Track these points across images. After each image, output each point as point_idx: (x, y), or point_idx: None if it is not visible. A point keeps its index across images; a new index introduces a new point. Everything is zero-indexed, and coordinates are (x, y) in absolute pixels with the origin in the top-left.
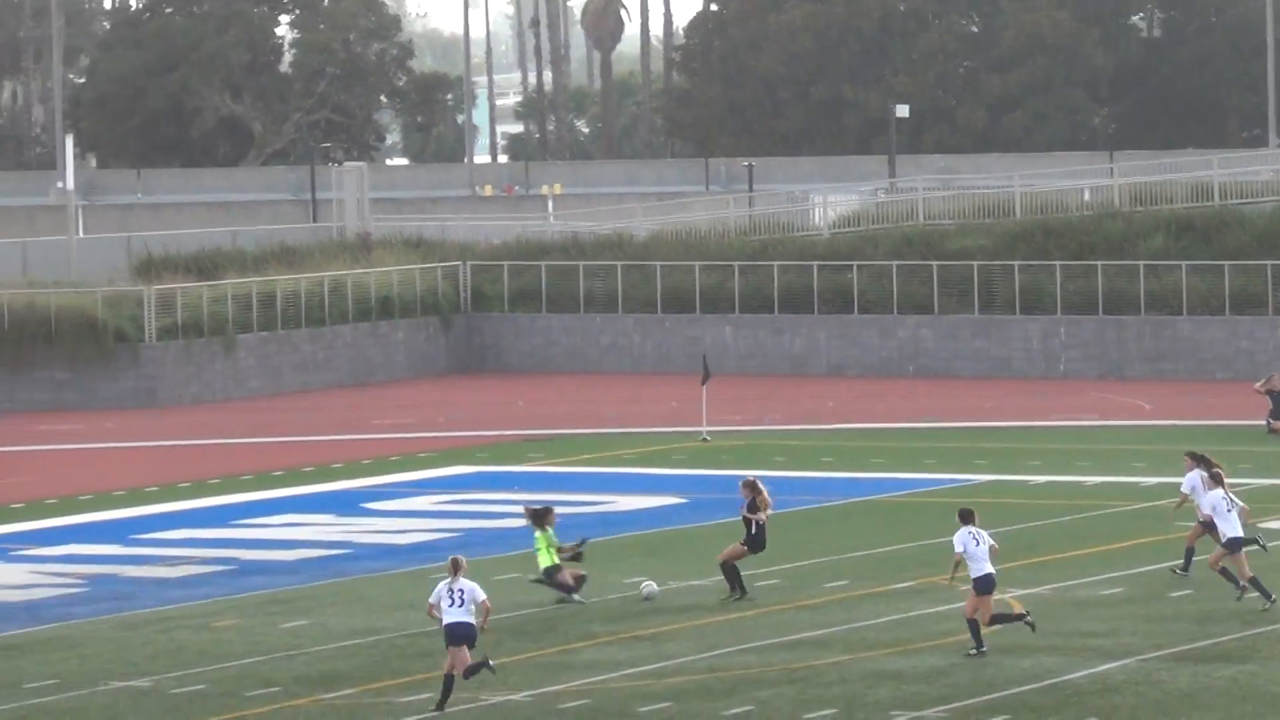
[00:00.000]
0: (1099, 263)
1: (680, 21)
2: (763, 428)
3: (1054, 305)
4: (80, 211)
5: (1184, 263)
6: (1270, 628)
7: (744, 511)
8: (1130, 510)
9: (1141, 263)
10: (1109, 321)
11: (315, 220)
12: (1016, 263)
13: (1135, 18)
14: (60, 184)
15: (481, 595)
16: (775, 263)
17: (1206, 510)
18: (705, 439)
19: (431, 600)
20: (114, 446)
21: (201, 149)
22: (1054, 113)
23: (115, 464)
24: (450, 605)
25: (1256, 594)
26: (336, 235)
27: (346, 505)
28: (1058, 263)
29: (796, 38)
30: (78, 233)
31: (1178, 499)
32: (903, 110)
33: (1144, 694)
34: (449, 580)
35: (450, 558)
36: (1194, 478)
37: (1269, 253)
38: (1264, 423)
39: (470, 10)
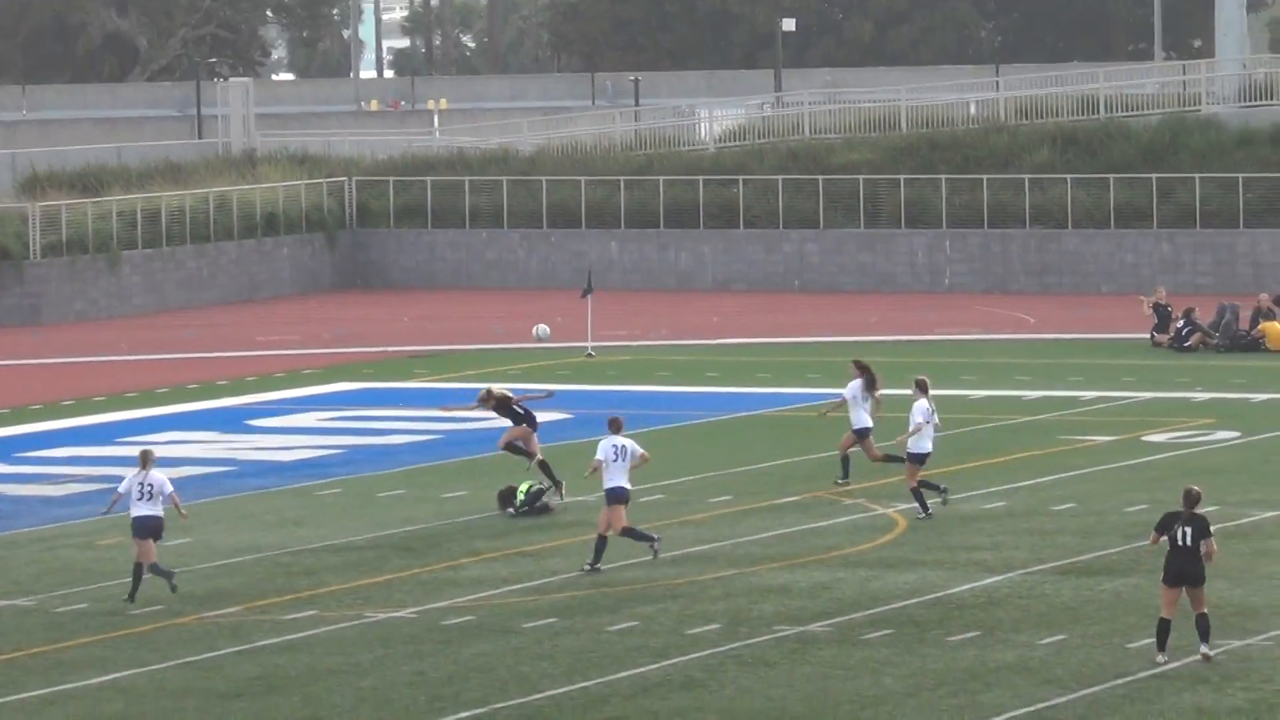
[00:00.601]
0: (984, 176)
1: None
2: (648, 343)
3: (939, 219)
4: None
5: (1069, 176)
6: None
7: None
8: (1014, 424)
9: (1026, 176)
10: (994, 235)
11: (200, 136)
12: (902, 177)
13: None
14: None
15: (170, 488)
16: (661, 177)
17: (919, 419)
18: (590, 354)
19: (121, 490)
20: None
21: (87, 65)
22: (940, 26)
23: None
24: (139, 499)
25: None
26: (222, 151)
27: (231, 422)
28: (943, 177)
29: None
30: None
31: (834, 403)
32: (789, 24)
33: (1028, 607)
34: (138, 473)
35: (140, 450)
36: (855, 386)
37: (1154, 166)
38: (1148, 336)
39: None
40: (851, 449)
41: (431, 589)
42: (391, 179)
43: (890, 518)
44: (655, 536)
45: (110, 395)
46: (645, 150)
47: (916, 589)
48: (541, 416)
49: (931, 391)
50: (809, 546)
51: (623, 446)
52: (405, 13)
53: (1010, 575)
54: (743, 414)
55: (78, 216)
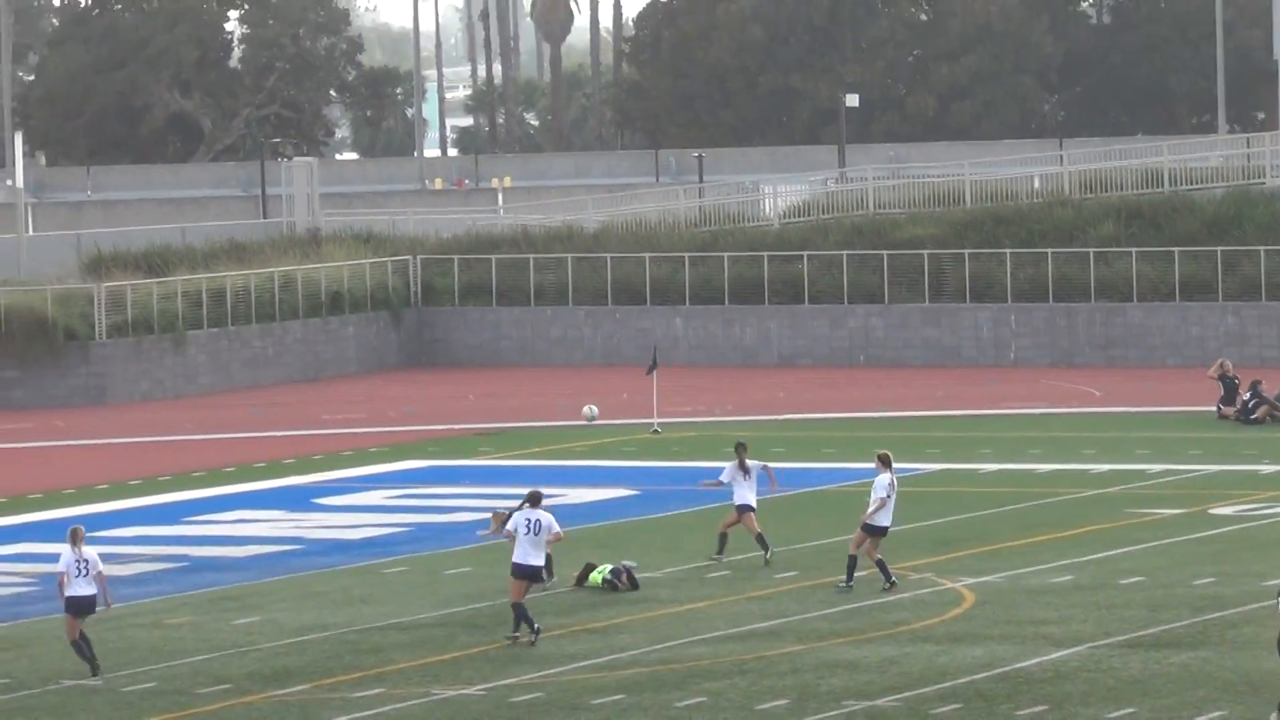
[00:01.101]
0: (1049, 250)
1: (630, 13)
2: (713, 419)
3: (1004, 293)
4: (30, 209)
5: (1134, 249)
6: (1220, 614)
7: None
8: (1081, 497)
9: (1091, 250)
10: (1059, 309)
11: (265, 216)
12: (967, 251)
13: (1085, 4)
14: (10, 182)
15: (100, 565)
16: (725, 253)
17: (880, 494)
18: (656, 430)
19: (61, 569)
20: (64, 445)
21: (151, 145)
22: (1003, 101)
23: (65, 462)
24: (78, 576)
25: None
26: (286, 230)
27: (297, 501)
28: (1008, 251)
29: (745, 28)
30: (27, 230)
31: (714, 481)
32: (852, 99)
33: (1096, 681)
34: (74, 552)
35: (70, 529)
36: (732, 468)
37: (1218, 239)
38: (1214, 408)
39: (419, 4)
40: (731, 526)
41: (499, 666)
42: (456, 257)
43: (958, 592)
44: (538, 629)
45: (176, 475)
46: (709, 226)
47: (985, 663)
48: (606, 494)
49: (999, 466)
50: (876, 621)
51: (537, 521)
52: (469, 91)
53: (1078, 649)
54: (808, 489)
55: (143, 297)
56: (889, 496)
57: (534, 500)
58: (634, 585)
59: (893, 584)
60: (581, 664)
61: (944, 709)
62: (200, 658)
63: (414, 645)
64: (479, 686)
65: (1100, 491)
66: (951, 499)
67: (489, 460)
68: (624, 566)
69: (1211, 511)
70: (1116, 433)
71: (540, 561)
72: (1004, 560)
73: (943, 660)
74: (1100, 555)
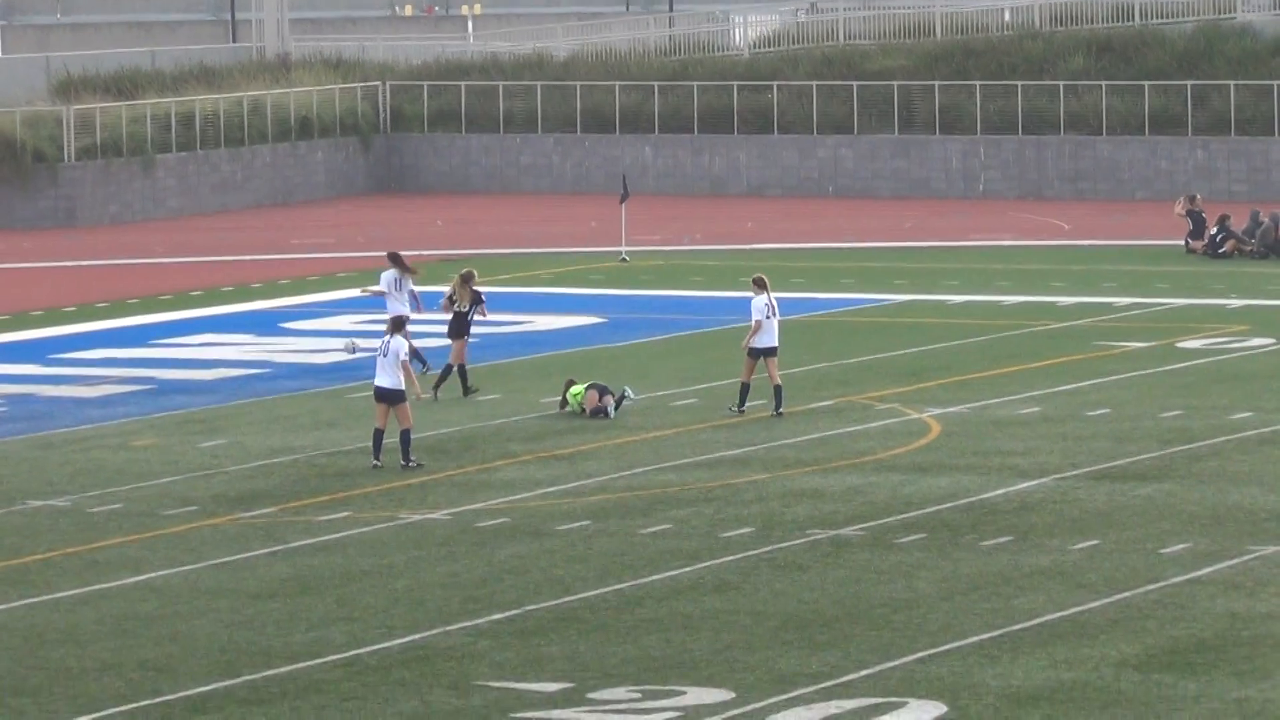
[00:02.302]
0: (1019, 83)
1: None
2: (681, 248)
3: (974, 125)
4: None
5: (1104, 82)
6: (1186, 447)
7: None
8: (1048, 330)
9: (1061, 83)
10: (1028, 141)
11: (234, 40)
12: (937, 83)
13: None
14: None
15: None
16: (695, 83)
17: (757, 316)
18: (624, 259)
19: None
20: (32, 266)
21: None
22: None
23: (33, 284)
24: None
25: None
26: (256, 55)
27: (265, 325)
28: (978, 83)
29: None
30: None
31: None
32: None
33: (1061, 512)
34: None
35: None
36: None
37: (1189, 73)
38: (1182, 242)
39: None
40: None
41: (465, 491)
42: (426, 84)
43: (924, 422)
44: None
45: (145, 297)
46: (679, 56)
47: (950, 493)
48: (576, 320)
49: (967, 297)
50: (842, 451)
51: (387, 343)
52: None
53: (1044, 480)
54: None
55: (112, 120)
56: (767, 318)
57: (396, 326)
58: (607, 414)
59: (780, 414)
60: (548, 489)
61: (908, 538)
62: (166, 480)
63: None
64: (444, 511)
65: (1068, 324)
66: (919, 330)
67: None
68: (625, 392)
69: (1179, 345)
70: (1085, 266)
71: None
72: (971, 391)
73: (908, 490)
74: (1067, 387)
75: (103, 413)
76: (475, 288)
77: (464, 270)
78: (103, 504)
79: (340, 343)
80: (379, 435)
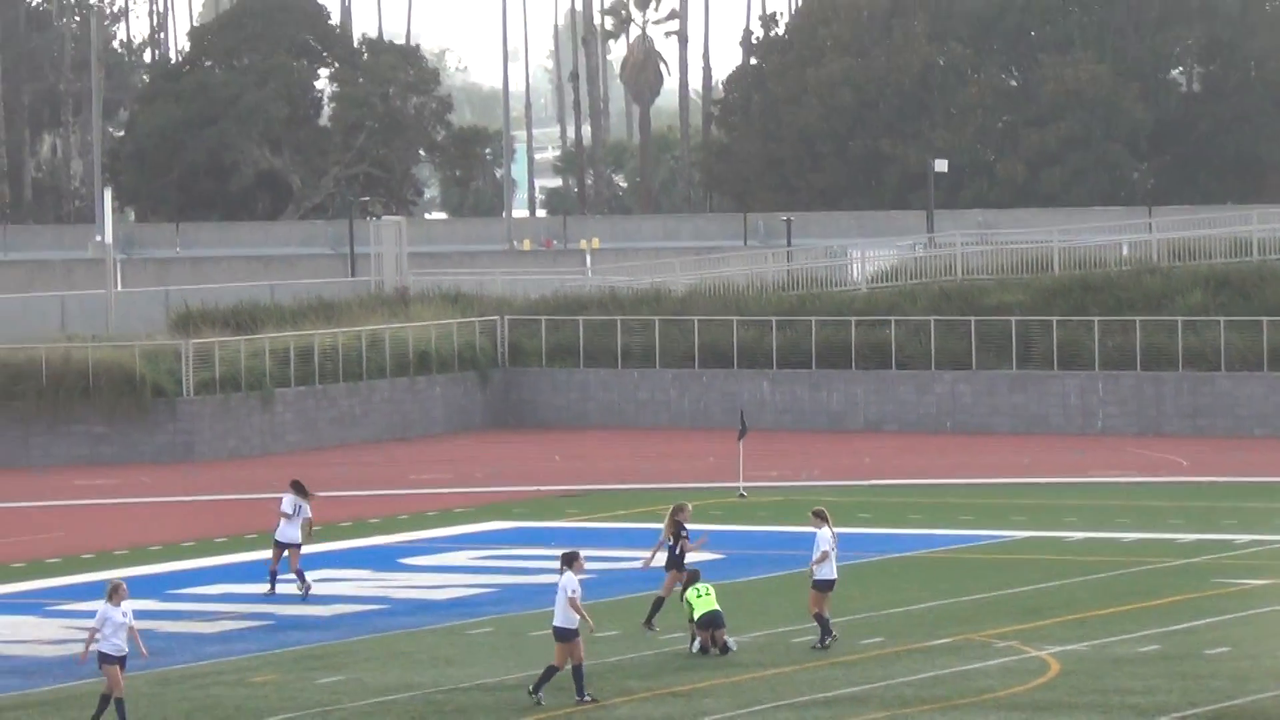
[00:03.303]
0: (1137, 318)
1: (719, 75)
2: (799, 483)
3: (1092, 361)
4: (119, 265)
5: (1222, 318)
6: None
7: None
8: (1167, 566)
9: (1180, 318)
10: (1147, 377)
11: (353, 274)
12: (1055, 318)
13: (1175, 72)
14: (99, 237)
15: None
16: (813, 318)
17: (824, 548)
18: (742, 495)
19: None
20: (151, 501)
21: (240, 203)
22: (1093, 168)
23: (152, 519)
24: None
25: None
26: (374, 289)
27: (383, 560)
28: (1096, 318)
29: (835, 92)
30: (116, 287)
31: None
32: (941, 165)
33: None
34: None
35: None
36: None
37: None
38: None
39: (510, 64)
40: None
41: None
42: (544, 318)
43: (1043, 660)
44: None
45: (263, 533)
46: (797, 290)
47: None
48: (691, 557)
49: (1086, 534)
50: (961, 689)
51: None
52: (558, 152)
53: (1163, 719)
54: (894, 555)
55: (231, 354)
56: (830, 550)
57: (568, 561)
58: (724, 650)
59: (825, 646)
60: None
61: None
62: (284, 716)
63: (499, 707)
64: None
65: (1187, 561)
66: (1037, 567)
67: (575, 522)
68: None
69: None
70: (1204, 502)
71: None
72: (1090, 629)
73: None
74: (1186, 625)
75: (221, 649)
76: (678, 519)
77: (675, 504)
78: None
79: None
80: (551, 671)
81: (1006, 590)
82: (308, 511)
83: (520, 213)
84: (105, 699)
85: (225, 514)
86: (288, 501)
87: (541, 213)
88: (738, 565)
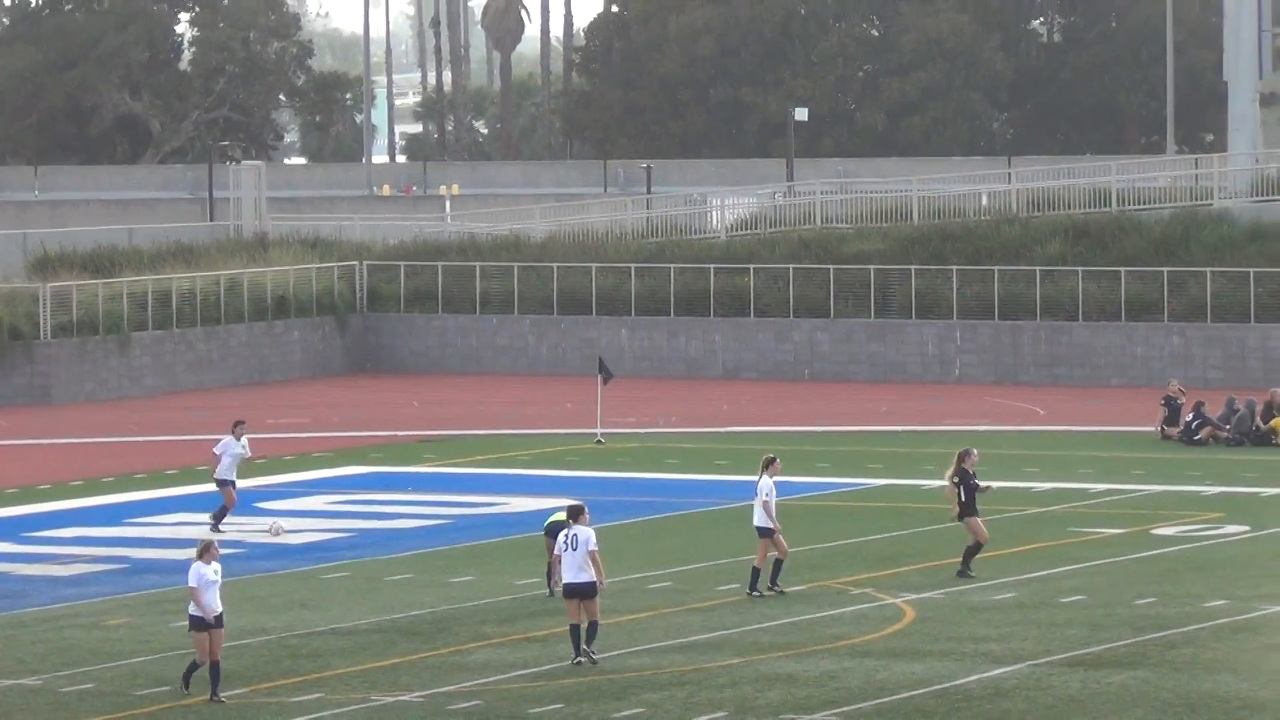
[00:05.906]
0: (995, 268)
1: (581, 23)
2: (657, 430)
3: (950, 310)
4: None
5: (1080, 268)
6: (1160, 634)
7: None
8: (1023, 515)
9: (1038, 268)
10: (1005, 326)
11: (212, 219)
12: (913, 267)
13: (1035, 23)
14: None
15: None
16: (672, 265)
17: (764, 496)
18: (600, 441)
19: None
20: (6, 444)
21: (99, 147)
22: (953, 117)
23: (8, 461)
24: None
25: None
26: (233, 234)
27: (240, 504)
28: (954, 267)
29: (697, 40)
30: None
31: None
32: (801, 114)
33: (1034, 699)
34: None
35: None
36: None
37: (1165, 259)
38: (1156, 429)
39: (370, 10)
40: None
41: (438, 673)
42: (403, 264)
43: (898, 607)
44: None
45: (119, 476)
46: (657, 238)
47: (923, 679)
48: (549, 503)
49: (941, 482)
50: (816, 635)
51: (574, 535)
52: (418, 99)
53: (1018, 667)
54: (751, 501)
55: (88, 297)
56: (765, 499)
57: (574, 514)
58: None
59: (756, 594)
60: (521, 672)
61: None
62: (139, 659)
63: (353, 651)
64: (417, 693)
65: (1043, 510)
66: (893, 514)
67: (432, 467)
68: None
69: (1154, 532)
70: (1060, 451)
71: (587, 578)
72: (945, 576)
73: (881, 676)
74: (1042, 573)
75: (76, 592)
76: (964, 467)
77: (961, 450)
78: (75, 684)
79: (266, 523)
80: (575, 631)
81: (862, 538)
82: (235, 448)
83: (380, 158)
84: (195, 666)
85: (81, 457)
86: (226, 443)
87: (401, 159)
88: (595, 511)
